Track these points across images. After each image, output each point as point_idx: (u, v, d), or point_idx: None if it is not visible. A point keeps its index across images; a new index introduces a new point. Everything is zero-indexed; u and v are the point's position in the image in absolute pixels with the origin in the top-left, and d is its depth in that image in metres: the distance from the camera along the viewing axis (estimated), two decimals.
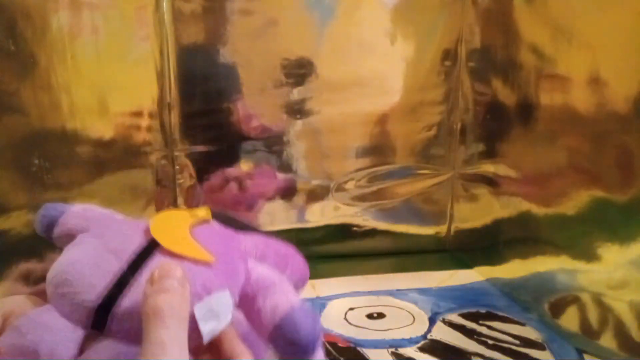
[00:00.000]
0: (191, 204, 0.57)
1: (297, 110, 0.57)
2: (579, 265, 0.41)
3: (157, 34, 0.52)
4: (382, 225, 0.61)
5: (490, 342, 0.43)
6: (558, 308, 0.44)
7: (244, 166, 0.58)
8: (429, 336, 0.44)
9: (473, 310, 0.49)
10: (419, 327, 0.46)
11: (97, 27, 0.46)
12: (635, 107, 0.34)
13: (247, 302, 0.25)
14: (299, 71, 0.56)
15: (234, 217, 0.32)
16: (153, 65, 0.53)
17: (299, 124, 0.57)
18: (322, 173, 0.59)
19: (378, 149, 0.60)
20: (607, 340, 0.38)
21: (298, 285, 0.29)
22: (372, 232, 0.62)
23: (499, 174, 0.52)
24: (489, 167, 0.54)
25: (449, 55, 0.58)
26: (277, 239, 0.30)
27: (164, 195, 0.56)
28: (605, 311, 0.38)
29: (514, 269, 0.50)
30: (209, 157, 0.57)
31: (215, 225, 0.28)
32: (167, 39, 0.53)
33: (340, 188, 0.60)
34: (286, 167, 0.58)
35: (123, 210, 0.29)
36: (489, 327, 0.45)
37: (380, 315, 0.48)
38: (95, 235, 0.26)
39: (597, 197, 0.38)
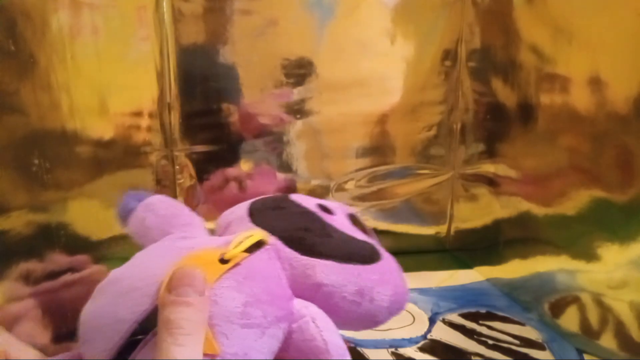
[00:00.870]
0: (191, 204, 0.57)
1: (297, 110, 0.57)
2: (579, 265, 0.41)
3: (157, 34, 0.52)
4: (382, 225, 0.61)
5: (490, 342, 0.43)
6: (558, 308, 0.44)
7: (244, 166, 0.57)
8: (429, 336, 0.44)
9: (473, 310, 0.48)
10: (419, 327, 0.46)
11: (97, 27, 0.46)
12: (635, 107, 0.34)
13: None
14: (299, 71, 0.56)
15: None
16: (153, 65, 0.53)
17: (299, 124, 0.57)
18: (322, 173, 0.59)
19: (378, 149, 0.60)
20: (607, 340, 0.38)
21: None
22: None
23: (499, 174, 0.52)
24: (489, 167, 0.54)
25: (449, 55, 0.58)
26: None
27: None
28: (605, 311, 0.38)
29: (514, 269, 0.50)
30: (209, 157, 0.57)
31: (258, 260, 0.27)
32: (167, 39, 0.53)
33: (340, 188, 0.60)
34: (286, 167, 0.58)
35: None
36: (489, 327, 0.45)
37: None
38: (124, 275, 0.26)
39: (597, 197, 0.38)
